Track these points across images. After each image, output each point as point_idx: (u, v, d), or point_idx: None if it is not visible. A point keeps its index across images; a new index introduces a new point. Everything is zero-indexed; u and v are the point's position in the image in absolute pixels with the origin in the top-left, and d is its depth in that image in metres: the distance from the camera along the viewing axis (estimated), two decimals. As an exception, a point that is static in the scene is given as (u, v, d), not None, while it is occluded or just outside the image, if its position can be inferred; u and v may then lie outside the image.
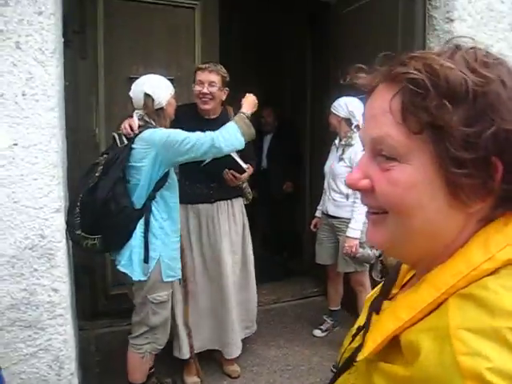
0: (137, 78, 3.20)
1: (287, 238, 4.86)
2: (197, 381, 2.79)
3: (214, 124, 2.68)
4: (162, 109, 2.35)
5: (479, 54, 0.54)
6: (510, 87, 0.51)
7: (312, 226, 3.45)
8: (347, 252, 3.02)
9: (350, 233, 3.01)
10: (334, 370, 2.64)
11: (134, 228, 2.23)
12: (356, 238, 3.00)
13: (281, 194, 4.71)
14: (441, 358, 0.45)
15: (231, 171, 2.70)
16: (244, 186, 2.82)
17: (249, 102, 2.53)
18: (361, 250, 2.99)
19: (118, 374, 2.79)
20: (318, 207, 3.44)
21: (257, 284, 3.07)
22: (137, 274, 2.26)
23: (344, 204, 3.10)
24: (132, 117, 2.33)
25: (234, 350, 2.89)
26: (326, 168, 3.27)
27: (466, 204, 0.53)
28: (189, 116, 2.67)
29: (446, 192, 0.53)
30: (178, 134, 2.26)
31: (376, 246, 0.64)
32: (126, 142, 2.26)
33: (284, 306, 3.92)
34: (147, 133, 2.26)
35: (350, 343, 0.73)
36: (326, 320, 3.49)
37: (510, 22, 3.05)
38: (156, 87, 2.36)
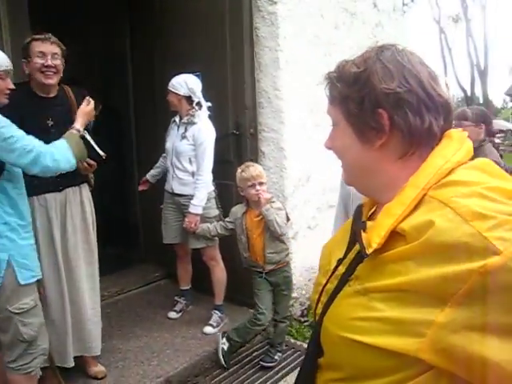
0: None
1: (119, 228, 4.62)
2: None
3: (54, 103, 2.46)
4: None
5: (377, 48, 0.81)
6: (385, 63, 0.78)
7: (140, 187, 3.50)
8: (187, 227, 3.06)
9: (192, 209, 3.04)
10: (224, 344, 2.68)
11: None
12: (197, 214, 3.05)
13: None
14: (447, 217, 0.64)
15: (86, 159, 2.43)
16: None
17: (84, 114, 2.31)
18: (200, 225, 3.06)
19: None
20: (149, 173, 3.50)
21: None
22: None
23: (190, 181, 3.12)
24: None
25: (95, 347, 2.68)
26: (169, 147, 3.22)
27: (372, 141, 0.78)
28: (23, 96, 2.30)
29: (356, 137, 0.80)
30: (7, 128, 1.92)
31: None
32: None
33: (130, 296, 3.76)
34: None
35: (331, 276, 0.86)
36: (178, 301, 3.48)
37: (320, 7, 3.44)
38: None
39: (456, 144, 0.77)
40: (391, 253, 0.69)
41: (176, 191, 3.19)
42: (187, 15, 3.53)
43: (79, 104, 2.42)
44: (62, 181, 2.42)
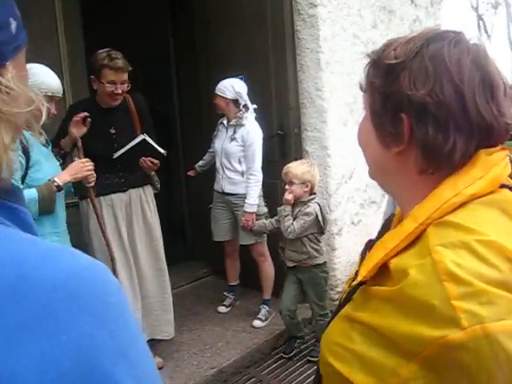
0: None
1: (167, 226, 4.81)
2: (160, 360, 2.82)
3: (116, 112, 2.67)
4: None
5: (430, 35, 0.68)
6: (425, 60, 0.65)
7: (188, 172, 3.73)
8: (244, 225, 3.19)
9: (247, 208, 3.18)
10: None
11: None
12: (253, 212, 3.19)
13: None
14: (424, 269, 0.57)
15: (148, 158, 2.65)
16: (152, 173, 2.79)
17: (71, 169, 2.23)
18: (256, 222, 3.19)
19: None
20: (197, 164, 3.68)
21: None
22: None
23: (240, 181, 3.26)
24: None
25: (165, 331, 2.91)
26: (218, 148, 3.37)
27: (390, 146, 0.70)
28: (88, 110, 2.56)
29: (376, 136, 0.72)
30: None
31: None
32: None
33: (180, 291, 3.92)
34: None
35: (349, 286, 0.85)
36: (227, 296, 3.63)
37: (358, 8, 3.49)
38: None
39: (478, 171, 0.64)
40: (377, 289, 0.65)
41: (226, 191, 3.33)
42: (229, 19, 3.65)
43: (138, 110, 2.70)
44: (125, 182, 2.67)
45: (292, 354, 3.08)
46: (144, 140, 2.56)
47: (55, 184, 2.11)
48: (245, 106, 3.22)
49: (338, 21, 3.36)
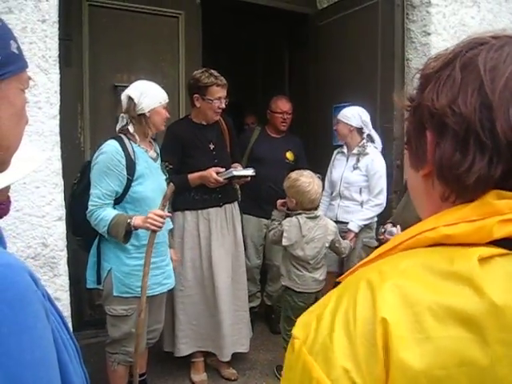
0: (122, 86, 3.28)
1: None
2: (204, 379, 2.90)
3: (211, 129, 2.88)
4: (143, 115, 2.26)
5: (476, 41, 0.58)
6: (456, 69, 0.56)
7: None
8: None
9: (351, 225, 3.10)
10: None
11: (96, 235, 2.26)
12: (354, 232, 3.09)
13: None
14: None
15: (241, 180, 2.90)
16: (237, 186, 3.02)
17: (148, 218, 2.12)
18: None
19: None
20: None
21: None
22: (89, 281, 2.31)
23: (356, 210, 3.19)
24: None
25: (244, 344, 3.02)
26: (336, 177, 3.31)
27: (417, 168, 0.62)
28: (188, 128, 2.83)
29: (409, 158, 0.65)
30: (95, 172, 2.21)
31: None
32: None
33: (266, 311, 3.97)
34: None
35: None
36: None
37: (481, 37, 3.26)
38: (141, 92, 2.27)
39: (471, 213, 0.54)
40: None
41: (340, 219, 3.22)
42: (339, 46, 3.67)
43: (229, 129, 2.94)
44: (222, 198, 2.86)
45: None
46: (232, 175, 2.76)
47: (129, 221, 2.14)
48: (368, 135, 3.18)
49: (453, 50, 3.17)
